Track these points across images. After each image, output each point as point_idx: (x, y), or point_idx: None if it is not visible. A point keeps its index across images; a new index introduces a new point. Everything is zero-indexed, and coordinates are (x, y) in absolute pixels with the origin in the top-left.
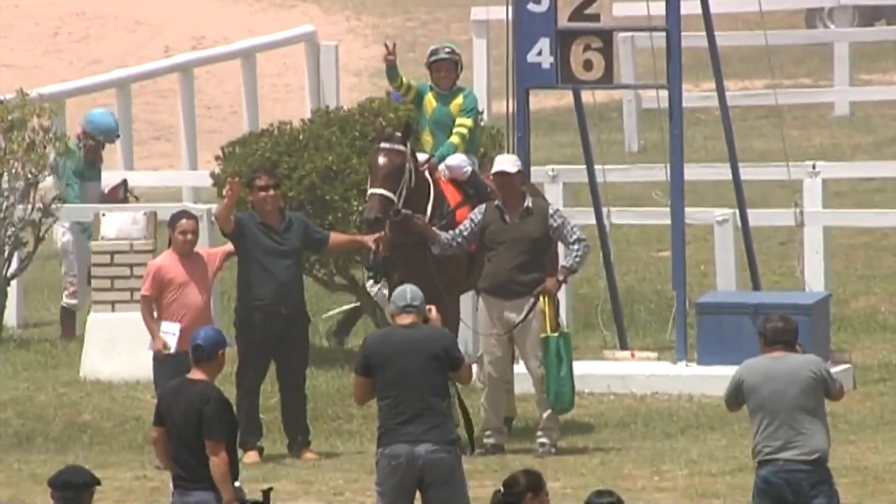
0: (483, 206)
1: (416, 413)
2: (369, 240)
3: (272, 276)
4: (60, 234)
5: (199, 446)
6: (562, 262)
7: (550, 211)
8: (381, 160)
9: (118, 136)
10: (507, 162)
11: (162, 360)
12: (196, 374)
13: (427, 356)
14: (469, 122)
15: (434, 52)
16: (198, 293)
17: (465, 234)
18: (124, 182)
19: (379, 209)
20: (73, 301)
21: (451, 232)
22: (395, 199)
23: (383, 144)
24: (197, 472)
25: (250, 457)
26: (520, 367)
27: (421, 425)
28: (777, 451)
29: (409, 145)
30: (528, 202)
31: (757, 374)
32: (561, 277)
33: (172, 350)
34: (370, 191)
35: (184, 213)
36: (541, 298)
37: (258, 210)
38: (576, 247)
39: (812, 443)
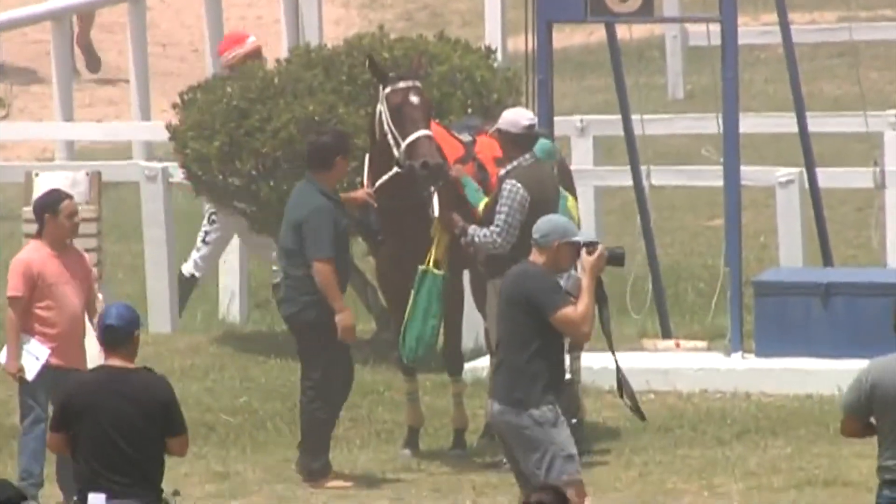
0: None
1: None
2: (361, 195)
3: (345, 263)
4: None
5: (142, 447)
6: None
7: (506, 181)
8: (415, 99)
9: None
10: (511, 118)
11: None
12: (115, 361)
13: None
14: None
15: None
16: (75, 296)
17: None
18: None
19: (440, 153)
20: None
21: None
22: None
23: (408, 83)
24: (131, 478)
25: (337, 483)
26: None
27: (499, 382)
28: None
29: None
30: None
31: (891, 374)
32: (457, 230)
33: (29, 379)
34: (416, 134)
35: (61, 193)
36: (433, 228)
37: (332, 183)
38: (486, 232)
39: None
